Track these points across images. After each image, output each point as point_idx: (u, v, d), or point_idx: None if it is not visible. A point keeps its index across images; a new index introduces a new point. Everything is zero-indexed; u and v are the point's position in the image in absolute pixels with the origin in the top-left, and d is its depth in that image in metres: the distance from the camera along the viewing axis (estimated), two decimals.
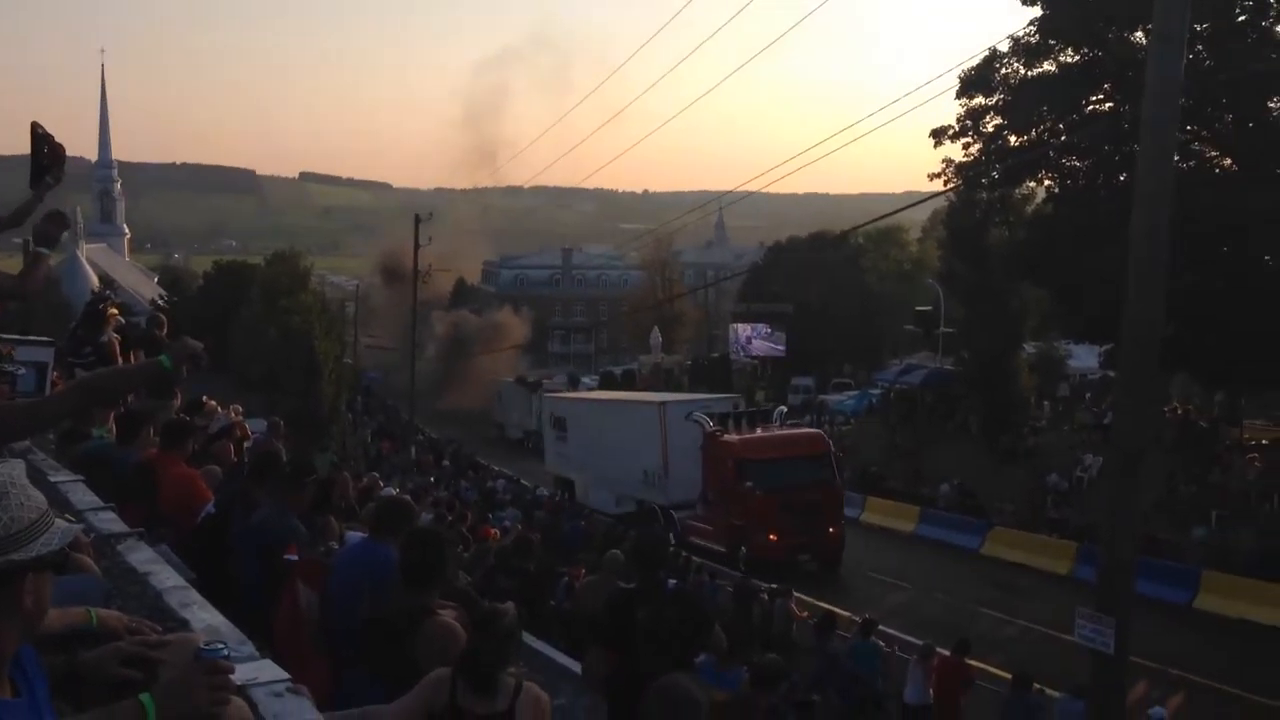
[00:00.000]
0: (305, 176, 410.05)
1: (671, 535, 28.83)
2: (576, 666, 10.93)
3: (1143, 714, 13.16)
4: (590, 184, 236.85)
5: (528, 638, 12.16)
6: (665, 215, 76.66)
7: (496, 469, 46.34)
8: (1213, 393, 41.09)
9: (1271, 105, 33.05)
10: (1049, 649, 19.45)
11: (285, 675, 4.75)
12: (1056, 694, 14.25)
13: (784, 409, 36.84)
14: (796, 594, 20.39)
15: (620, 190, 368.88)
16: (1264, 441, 35.85)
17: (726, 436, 30.01)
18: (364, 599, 5.50)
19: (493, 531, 21.30)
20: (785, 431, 31.91)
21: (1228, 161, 34.63)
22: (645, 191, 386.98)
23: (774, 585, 20.85)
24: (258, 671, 4.72)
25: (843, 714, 11.86)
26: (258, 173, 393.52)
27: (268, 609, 5.97)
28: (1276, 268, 32.43)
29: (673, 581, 7.48)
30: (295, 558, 6.14)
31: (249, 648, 5.15)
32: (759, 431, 31.07)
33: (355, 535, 7.39)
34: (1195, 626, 23.70)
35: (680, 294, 78.59)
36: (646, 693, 4.03)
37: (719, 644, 7.32)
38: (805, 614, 19.24)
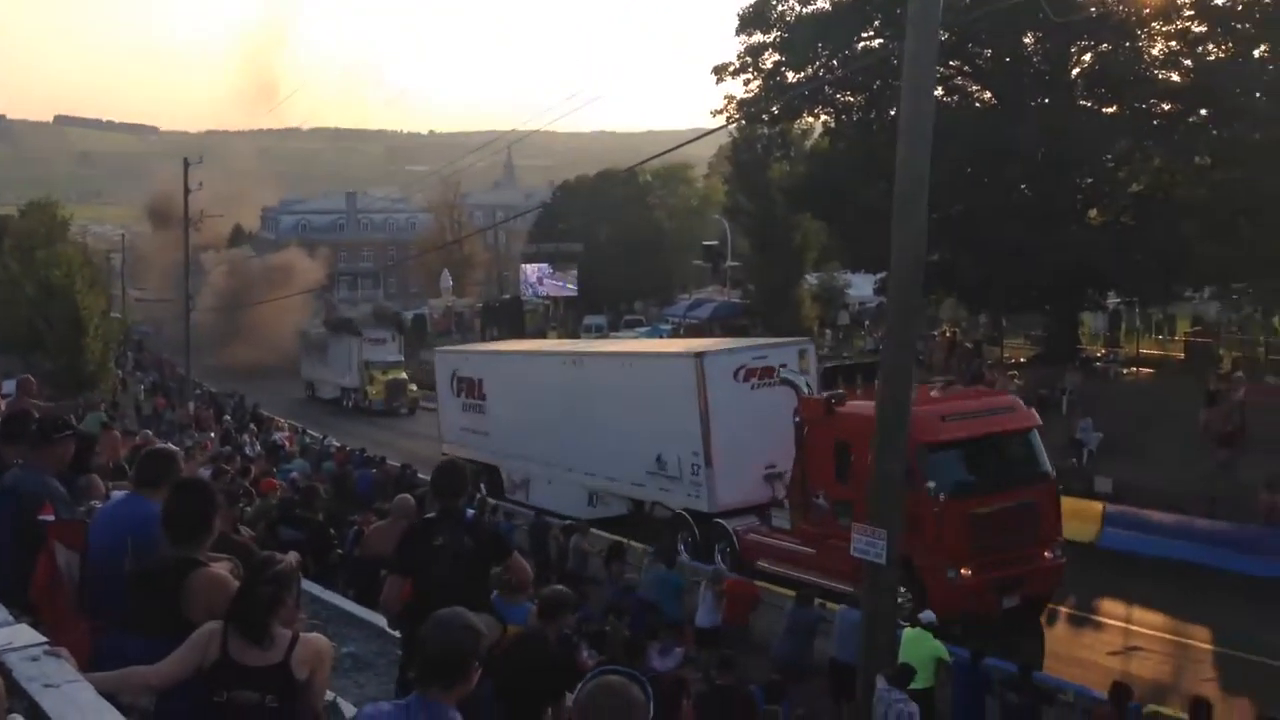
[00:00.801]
0: (61, 120, 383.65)
1: (719, 556, 19.94)
2: (366, 614, 10.85)
3: (914, 618, 13.96)
4: (374, 125, 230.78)
5: (316, 587, 11.96)
6: (452, 156, 75.31)
7: (285, 422, 44.92)
8: (977, 315, 43.59)
9: (1026, 41, 34.88)
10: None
11: (42, 639, 4.53)
12: (837, 606, 14.96)
13: None
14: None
15: (405, 131, 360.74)
16: (1022, 360, 38.26)
17: (856, 405, 18.06)
18: (126, 555, 5.28)
19: (275, 484, 20.72)
20: (971, 398, 20.16)
21: (988, 95, 36.48)
22: (431, 132, 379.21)
23: (568, 521, 21.03)
24: (12, 637, 4.49)
25: (634, 641, 12.14)
26: (7, 116, 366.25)
27: (24, 572, 5.67)
28: (1031, 196, 34.46)
29: (471, 511, 7.44)
30: (51, 518, 5.83)
31: (2, 613, 4.88)
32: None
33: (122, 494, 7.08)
34: None
35: (469, 235, 77.66)
36: (426, 622, 4.04)
37: (521, 574, 7.41)
38: (598, 549, 19.50)
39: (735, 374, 21.14)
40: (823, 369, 20.84)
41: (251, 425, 40.01)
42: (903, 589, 14.92)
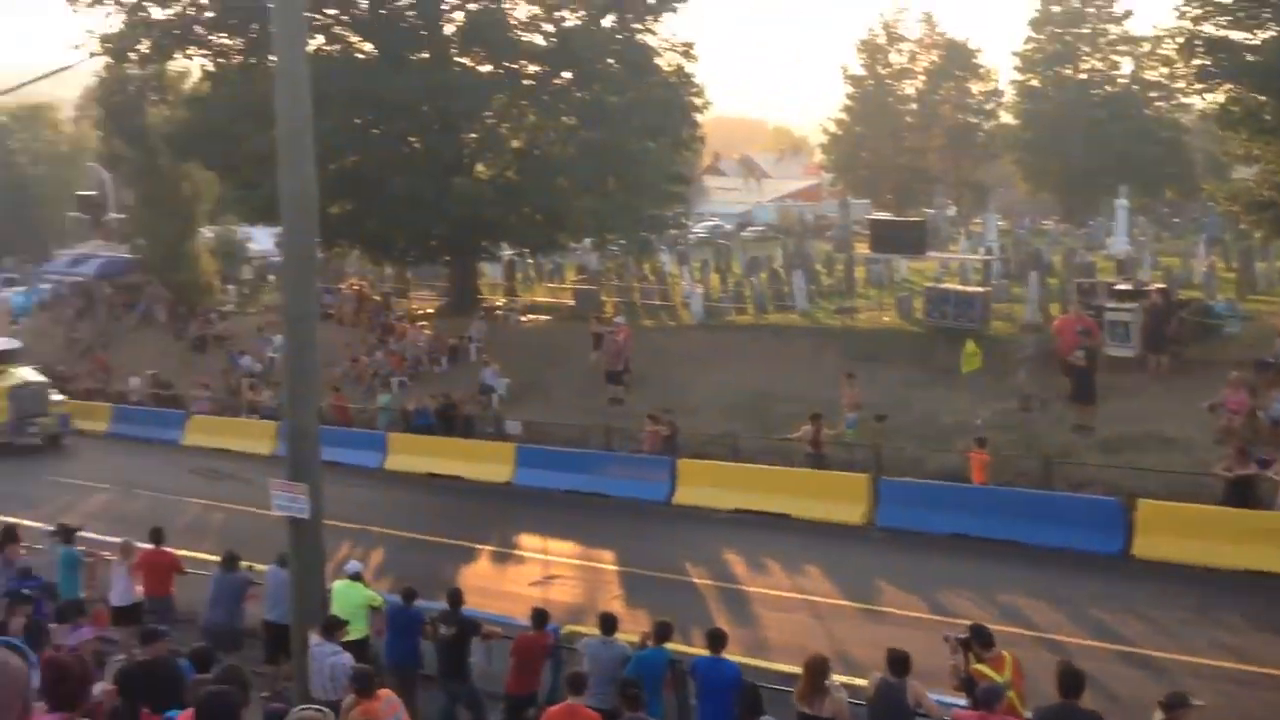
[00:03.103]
0: None
1: None
2: None
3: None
4: None
5: None
6: None
7: None
8: (383, 267, 44.04)
9: None
10: (256, 527, 19.63)
11: None
12: (264, 567, 14.48)
13: None
14: None
15: None
16: (430, 311, 39.25)
17: None
18: None
19: None
20: None
21: (369, 47, 36.48)
22: None
23: None
24: None
25: (38, 628, 10.95)
26: None
27: None
28: (421, 149, 35.20)
29: None
30: None
31: None
32: None
33: None
34: (386, 485, 25.59)
35: None
36: None
37: None
38: None
39: None
40: None
41: None
42: None
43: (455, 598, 13.00)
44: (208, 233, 49.02)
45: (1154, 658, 14.02)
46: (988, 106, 73.84)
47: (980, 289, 30.74)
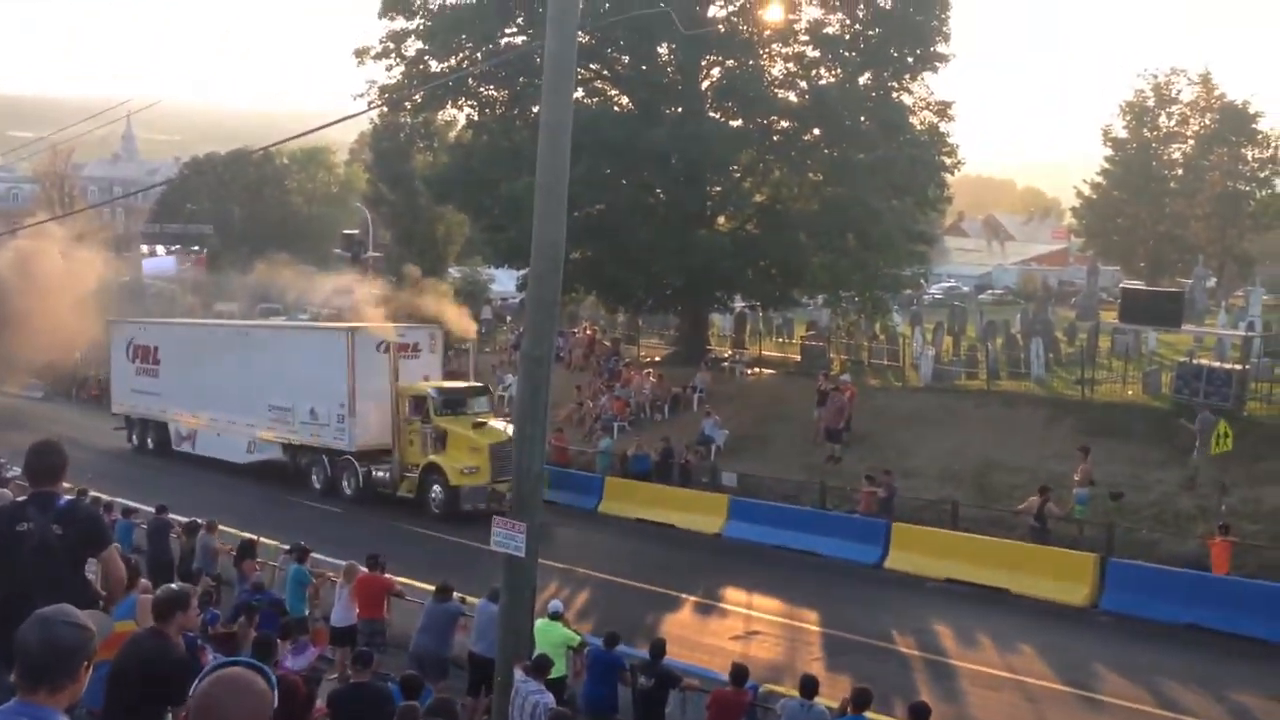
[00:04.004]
0: None
1: None
2: None
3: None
4: None
5: None
6: (63, 122, 69.08)
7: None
8: (616, 313, 44.94)
9: (661, 51, 36.32)
10: (471, 560, 20.33)
11: None
12: (476, 600, 14.91)
13: None
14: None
15: (6, 94, 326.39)
16: (657, 358, 39.78)
17: None
18: None
19: None
20: None
21: (625, 100, 37.65)
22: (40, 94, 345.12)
23: (193, 519, 19.74)
24: None
25: (264, 642, 11.58)
26: None
27: None
28: (666, 200, 35.95)
29: (68, 497, 6.80)
30: None
31: None
32: None
33: None
34: (598, 528, 25.94)
35: (82, 210, 71.48)
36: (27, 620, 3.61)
37: (113, 570, 6.75)
38: (228, 547, 18.50)
39: None
40: None
41: None
42: None
43: (658, 649, 13.02)
44: (454, 272, 51.37)
45: None
46: (1262, 174, 69.27)
47: (1238, 366, 28.73)
